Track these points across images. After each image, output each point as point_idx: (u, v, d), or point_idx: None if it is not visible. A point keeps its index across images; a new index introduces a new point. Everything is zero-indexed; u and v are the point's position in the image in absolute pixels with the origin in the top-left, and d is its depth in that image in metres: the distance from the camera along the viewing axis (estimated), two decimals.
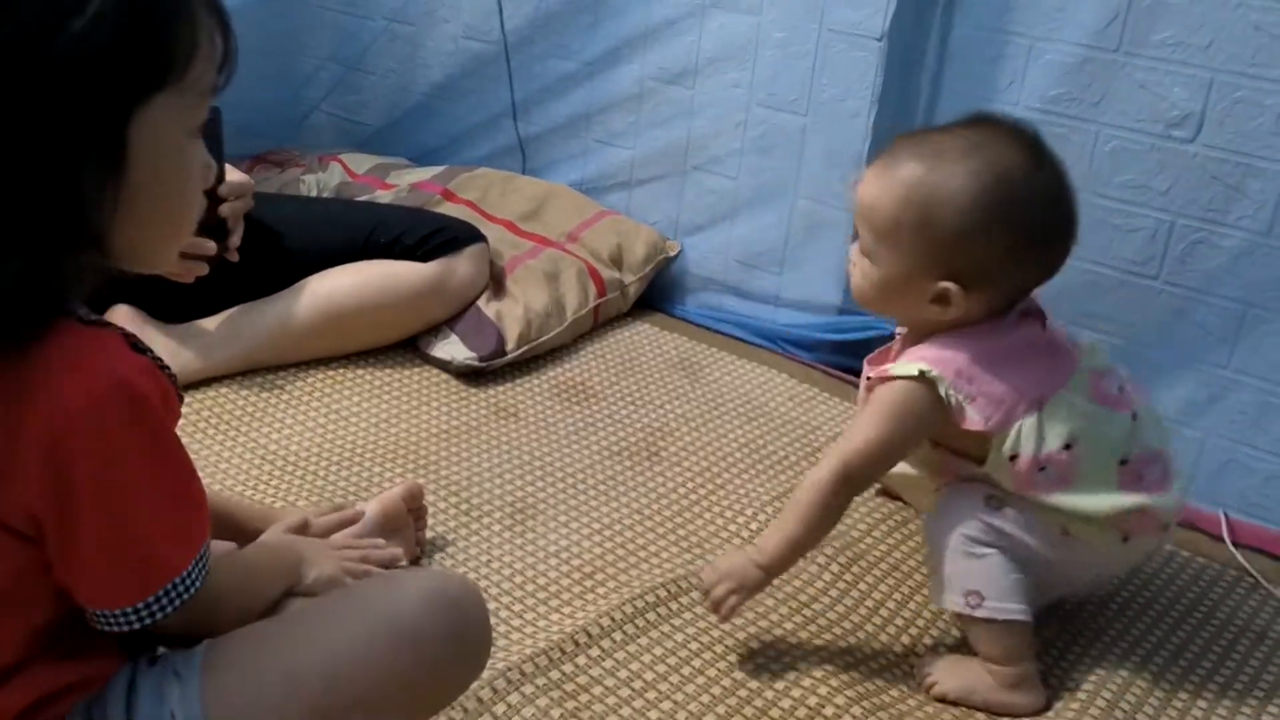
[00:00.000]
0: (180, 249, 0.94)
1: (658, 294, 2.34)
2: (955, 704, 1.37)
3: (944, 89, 2.02)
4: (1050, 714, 1.36)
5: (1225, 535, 1.74)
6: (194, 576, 0.91)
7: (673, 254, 2.33)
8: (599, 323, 2.20)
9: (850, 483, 1.36)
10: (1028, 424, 1.32)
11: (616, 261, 2.25)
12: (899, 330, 1.50)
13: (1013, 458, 1.33)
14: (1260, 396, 1.81)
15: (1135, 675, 1.43)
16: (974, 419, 1.31)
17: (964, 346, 1.34)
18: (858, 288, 1.41)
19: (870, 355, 1.50)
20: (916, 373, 1.32)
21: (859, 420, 1.39)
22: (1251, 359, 1.81)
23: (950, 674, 1.39)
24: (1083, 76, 1.86)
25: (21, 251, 0.80)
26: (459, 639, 1.01)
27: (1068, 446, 1.33)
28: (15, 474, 0.83)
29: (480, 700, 1.26)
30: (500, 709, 1.26)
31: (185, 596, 0.90)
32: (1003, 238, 1.31)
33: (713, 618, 1.42)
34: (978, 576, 1.36)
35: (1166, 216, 1.83)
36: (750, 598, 1.37)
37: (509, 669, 1.31)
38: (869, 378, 1.41)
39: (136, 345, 0.89)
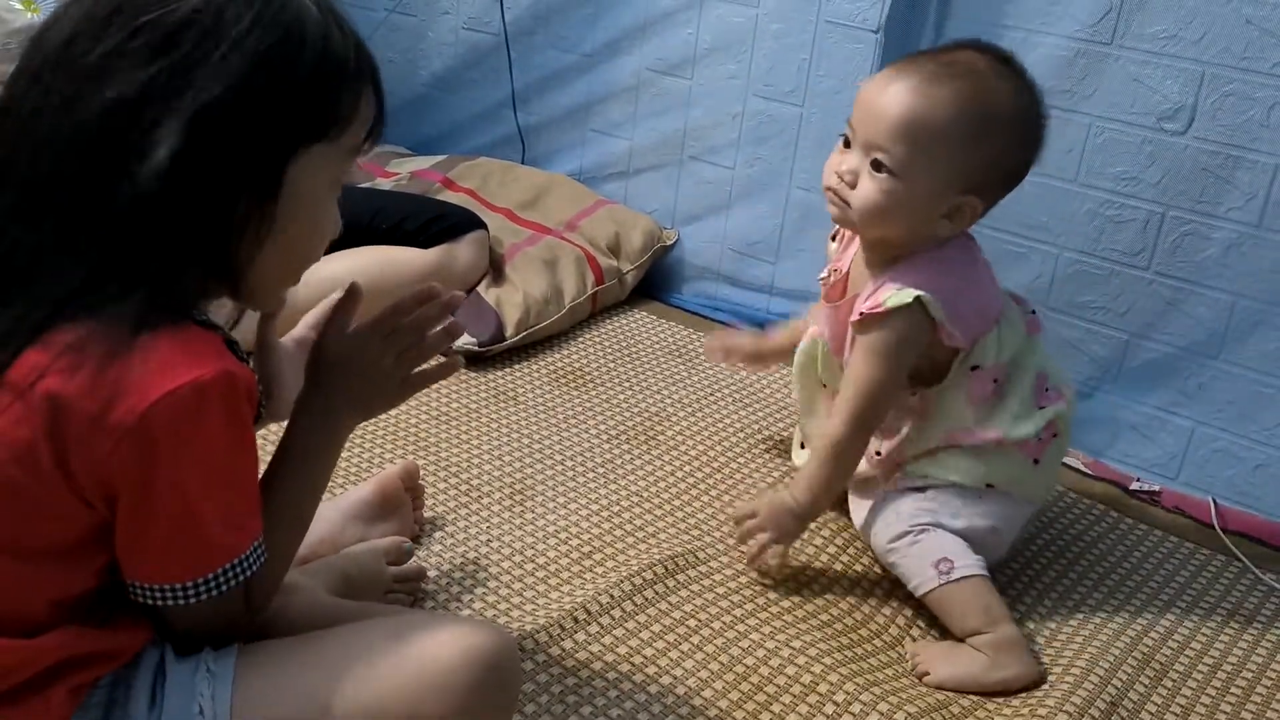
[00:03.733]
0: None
1: (655, 282, 2.36)
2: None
3: None
4: (1041, 692, 1.38)
5: (1214, 521, 1.77)
6: (242, 567, 0.94)
7: (670, 243, 2.35)
8: (597, 310, 2.22)
9: (865, 426, 1.44)
10: (990, 337, 1.42)
11: (614, 250, 2.27)
12: (834, 252, 1.56)
13: (974, 368, 1.42)
14: (1250, 386, 1.83)
15: (1126, 655, 1.45)
16: (957, 335, 1.39)
17: (943, 268, 1.40)
18: (869, 202, 1.37)
19: (825, 289, 1.55)
20: (912, 299, 1.37)
21: (858, 363, 1.43)
22: (1241, 349, 1.82)
23: (942, 662, 1.41)
24: (1076, 69, 1.88)
25: (165, 266, 0.88)
26: (491, 695, 1.02)
27: (1012, 360, 1.43)
28: (107, 447, 0.86)
29: None
30: None
31: (228, 585, 0.93)
32: (1021, 154, 1.40)
33: (708, 596, 1.46)
34: (938, 548, 1.43)
35: (1158, 208, 1.85)
36: (788, 546, 1.47)
37: None
38: (862, 313, 1.41)
39: (233, 345, 0.95)
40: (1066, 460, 1.89)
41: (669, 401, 1.96)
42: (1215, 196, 1.80)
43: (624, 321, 2.23)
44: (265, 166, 0.91)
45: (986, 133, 1.36)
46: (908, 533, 1.45)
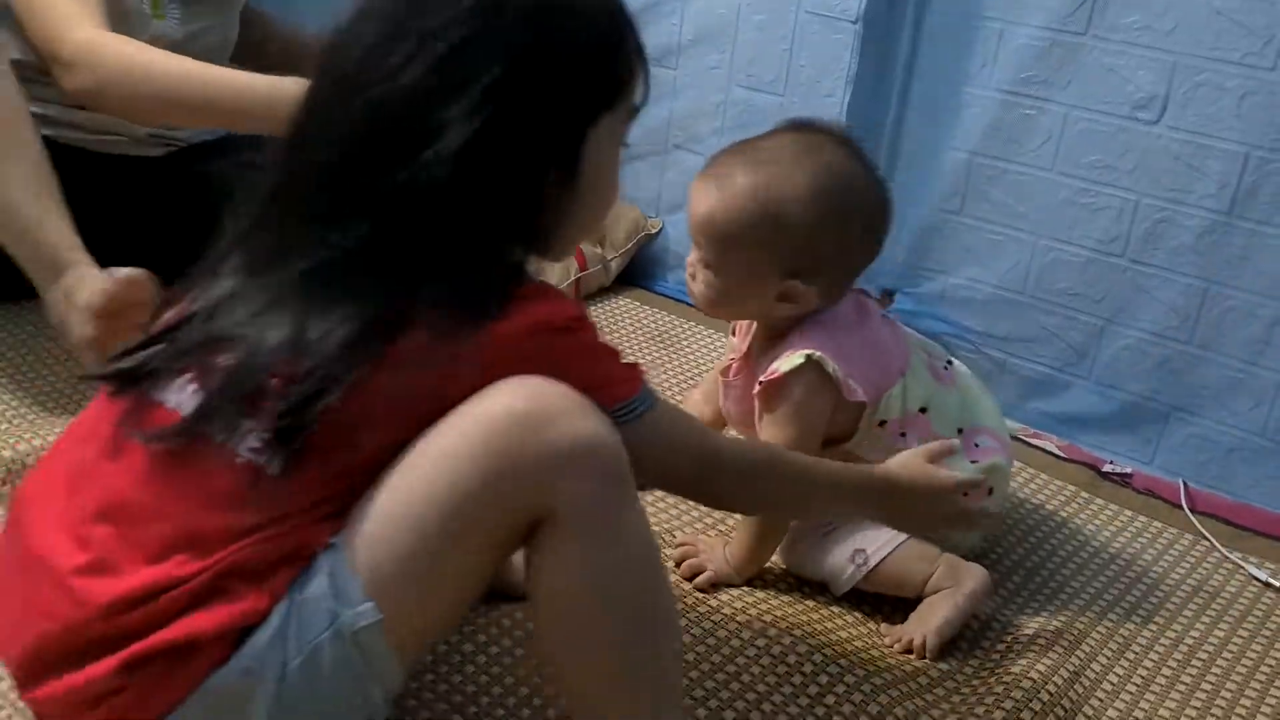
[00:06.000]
0: None
1: (638, 270, 2.39)
2: (947, 643, 1.41)
3: (918, 71, 2.07)
4: (1007, 661, 1.40)
5: (1184, 502, 1.79)
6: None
7: (654, 231, 2.38)
8: (580, 297, 2.24)
9: None
10: (895, 391, 1.44)
11: (599, 238, 2.30)
12: (736, 342, 1.57)
13: (881, 423, 1.45)
14: (1222, 371, 1.86)
15: (1090, 628, 1.48)
16: (858, 390, 1.41)
17: (830, 333, 1.44)
18: (703, 297, 1.46)
19: (722, 369, 1.58)
20: (803, 359, 1.41)
21: (766, 434, 1.45)
22: (1213, 335, 1.86)
23: (918, 624, 1.42)
24: (1051, 60, 1.91)
25: (484, 252, 0.95)
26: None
27: (923, 410, 1.46)
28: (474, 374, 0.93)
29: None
30: (481, 637, 1.31)
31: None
32: (837, 232, 1.41)
33: (685, 585, 1.48)
34: (848, 542, 1.46)
35: (1132, 196, 1.88)
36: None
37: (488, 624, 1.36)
38: (761, 381, 1.44)
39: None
40: (1039, 443, 1.92)
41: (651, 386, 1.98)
42: (1187, 184, 1.83)
43: (607, 308, 2.26)
44: (566, 142, 0.97)
45: (780, 226, 1.38)
46: (816, 542, 1.47)
